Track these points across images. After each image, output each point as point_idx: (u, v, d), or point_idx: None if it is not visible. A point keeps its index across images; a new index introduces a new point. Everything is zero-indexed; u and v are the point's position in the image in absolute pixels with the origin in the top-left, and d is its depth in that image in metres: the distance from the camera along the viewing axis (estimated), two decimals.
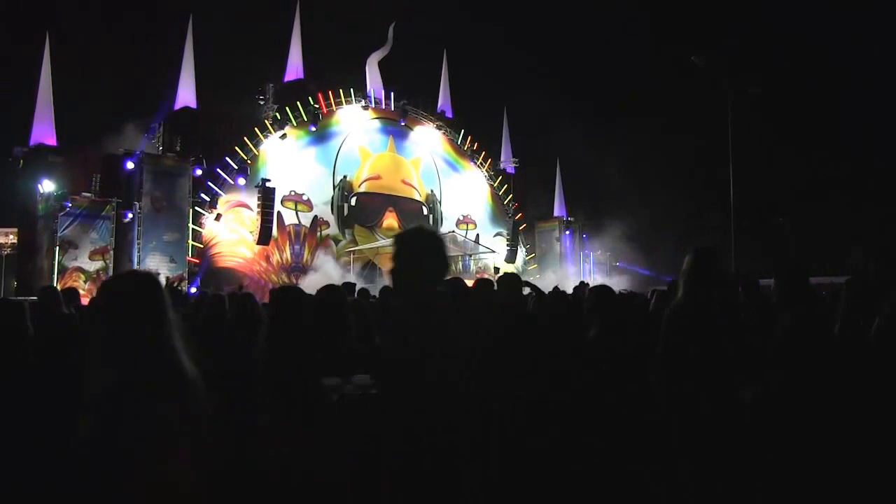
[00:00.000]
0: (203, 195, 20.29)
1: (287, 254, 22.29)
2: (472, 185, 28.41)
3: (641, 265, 28.01)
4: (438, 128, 27.48)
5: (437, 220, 26.74)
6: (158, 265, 18.80)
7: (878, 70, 27.93)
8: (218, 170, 20.74)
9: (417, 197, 26.41)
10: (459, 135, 28.07)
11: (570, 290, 8.78)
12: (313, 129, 23.31)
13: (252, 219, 20.96)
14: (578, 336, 3.92)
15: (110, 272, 18.03)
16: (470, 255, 27.11)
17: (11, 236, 19.58)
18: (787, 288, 3.51)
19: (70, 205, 17.72)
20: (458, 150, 28.20)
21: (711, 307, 3.20)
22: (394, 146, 26.06)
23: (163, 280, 11.95)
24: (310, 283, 17.81)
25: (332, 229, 23.65)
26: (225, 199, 20.93)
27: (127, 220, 18.59)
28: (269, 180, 20.58)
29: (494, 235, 28.57)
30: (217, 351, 4.11)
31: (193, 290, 17.00)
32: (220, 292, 7.36)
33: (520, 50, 37.71)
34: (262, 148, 22.02)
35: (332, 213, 23.81)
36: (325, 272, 20.93)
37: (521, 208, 29.28)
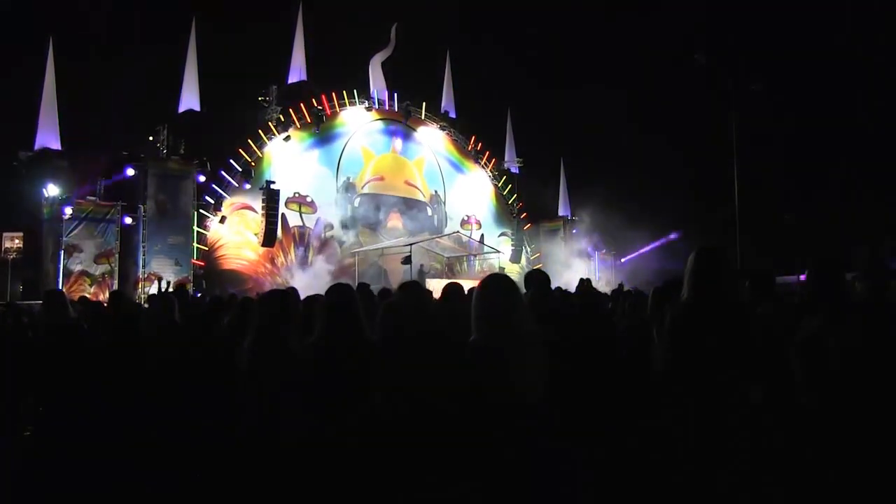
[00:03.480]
0: (207, 198, 20.33)
1: (292, 255, 22.30)
2: (477, 185, 28.39)
3: (647, 264, 27.93)
4: (442, 128, 27.45)
5: (442, 221, 26.74)
6: (163, 268, 18.84)
7: (883, 63, 27.79)
8: (222, 172, 20.78)
9: (421, 198, 26.39)
10: (463, 135, 28.05)
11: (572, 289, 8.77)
12: (317, 130, 23.32)
13: (256, 221, 20.97)
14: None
15: (115, 276, 18.09)
16: (475, 256, 27.11)
17: (17, 240, 19.61)
18: (818, 285, 3.42)
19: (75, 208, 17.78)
20: (462, 150, 28.18)
21: (718, 306, 3.17)
22: (397, 147, 26.06)
23: (164, 284, 11.89)
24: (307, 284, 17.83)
25: (337, 230, 23.65)
26: (229, 202, 20.96)
27: (131, 223, 18.66)
28: (273, 182, 20.60)
29: (499, 235, 28.54)
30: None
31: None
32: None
33: (523, 49, 37.64)
34: (265, 150, 22.04)
35: (336, 214, 23.80)
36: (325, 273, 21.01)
37: (525, 208, 29.26)
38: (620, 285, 10.65)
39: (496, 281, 3.14)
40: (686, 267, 3.32)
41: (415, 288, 4.59)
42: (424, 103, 26.88)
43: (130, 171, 18.85)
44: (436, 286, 13.94)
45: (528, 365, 2.84)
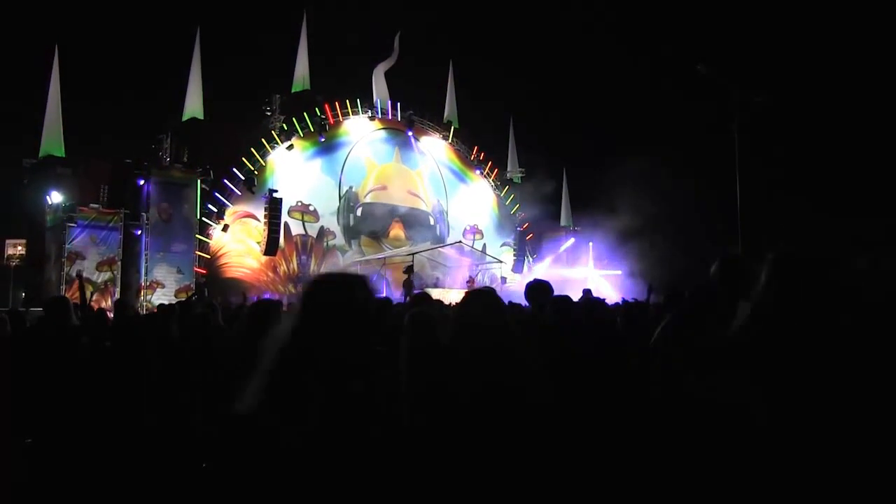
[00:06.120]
0: (210, 206, 20.38)
1: (294, 264, 22.33)
2: (479, 195, 28.42)
3: (647, 274, 27.86)
4: (444, 138, 27.51)
5: (444, 230, 26.75)
6: (165, 276, 18.86)
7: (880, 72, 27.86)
8: (225, 181, 20.83)
9: (423, 207, 26.43)
10: (466, 145, 28.11)
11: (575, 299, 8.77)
12: (322, 139, 23.40)
13: (259, 229, 21.01)
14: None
15: (118, 283, 18.11)
16: (477, 265, 27.08)
17: (20, 247, 19.70)
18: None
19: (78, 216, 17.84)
20: (465, 160, 28.23)
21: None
22: (399, 156, 26.13)
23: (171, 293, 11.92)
24: None
25: (339, 240, 23.68)
26: (232, 210, 21.00)
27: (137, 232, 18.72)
28: (276, 191, 20.65)
29: (501, 245, 28.54)
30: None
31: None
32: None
33: (525, 60, 37.89)
34: (269, 159, 22.11)
35: (338, 223, 23.86)
36: None
37: (527, 218, 29.26)
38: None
39: (480, 295, 3.23)
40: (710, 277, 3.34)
41: (430, 298, 4.64)
42: (427, 113, 26.97)
43: (141, 182, 18.90)
44: (435, 296, 13.91)
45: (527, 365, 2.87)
